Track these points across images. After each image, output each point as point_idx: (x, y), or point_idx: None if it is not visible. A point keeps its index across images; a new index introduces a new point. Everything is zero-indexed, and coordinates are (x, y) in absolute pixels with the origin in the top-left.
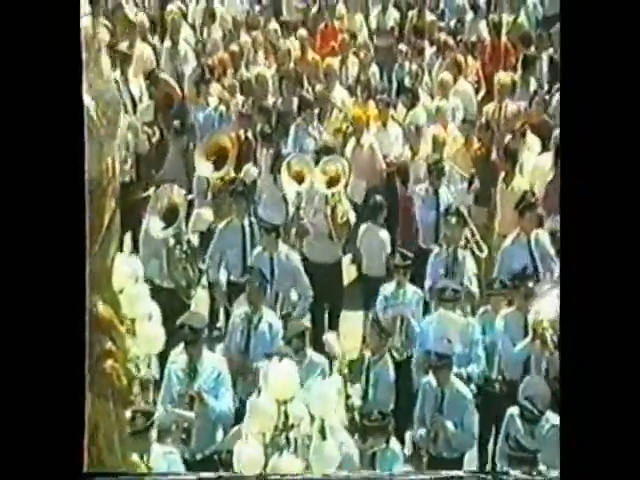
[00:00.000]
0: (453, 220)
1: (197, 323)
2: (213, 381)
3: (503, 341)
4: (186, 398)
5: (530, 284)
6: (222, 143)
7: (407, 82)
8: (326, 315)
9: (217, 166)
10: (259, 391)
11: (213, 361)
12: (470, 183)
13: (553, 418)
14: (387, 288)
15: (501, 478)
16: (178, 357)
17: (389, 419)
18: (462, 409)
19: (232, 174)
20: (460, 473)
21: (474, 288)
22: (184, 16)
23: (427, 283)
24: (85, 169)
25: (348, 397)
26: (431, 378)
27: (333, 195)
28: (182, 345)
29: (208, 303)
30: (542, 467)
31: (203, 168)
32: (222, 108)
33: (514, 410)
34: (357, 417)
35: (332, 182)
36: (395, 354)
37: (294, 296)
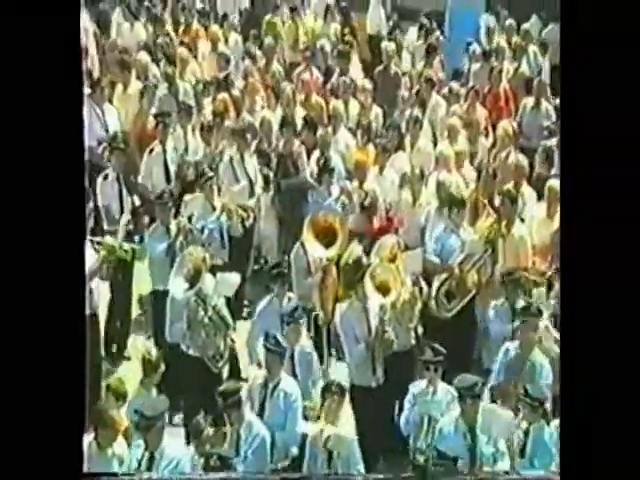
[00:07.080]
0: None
1: (150, 411)
2: (169, 472)
3: None
4: None
5: None
6: (331, 222)
7: (410, 127)
8: None
9: (327, 246)
10: None
11: (174, 451)
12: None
13: None
14: (417, 386)
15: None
16: (139, 441)
17: None
18: None
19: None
20: None
21: (549, 406)
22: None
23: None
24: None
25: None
26: None
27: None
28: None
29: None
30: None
31: (315, 248)
32: (344, 199)
33: None
34: None
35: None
36: (418, 456)
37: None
